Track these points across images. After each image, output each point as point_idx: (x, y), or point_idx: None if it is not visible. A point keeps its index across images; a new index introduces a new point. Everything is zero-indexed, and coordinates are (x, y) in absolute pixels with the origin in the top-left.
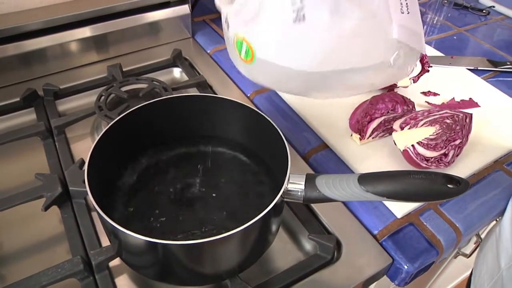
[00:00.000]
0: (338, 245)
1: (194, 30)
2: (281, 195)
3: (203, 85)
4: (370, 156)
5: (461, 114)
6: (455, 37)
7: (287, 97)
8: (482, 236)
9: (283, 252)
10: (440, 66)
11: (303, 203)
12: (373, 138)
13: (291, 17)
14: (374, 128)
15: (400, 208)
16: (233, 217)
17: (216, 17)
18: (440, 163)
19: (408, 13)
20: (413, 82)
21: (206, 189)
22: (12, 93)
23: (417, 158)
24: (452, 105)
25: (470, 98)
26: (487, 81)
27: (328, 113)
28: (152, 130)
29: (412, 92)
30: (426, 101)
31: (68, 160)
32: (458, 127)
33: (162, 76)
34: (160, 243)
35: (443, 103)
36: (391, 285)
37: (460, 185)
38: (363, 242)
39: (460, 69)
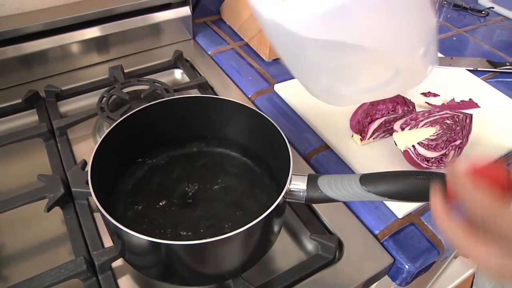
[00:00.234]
0: (340, 245)
1: (195, 31)
2: (283, 196)
3: (204, 86)
4: (371, 156)
5: (461, 115)
6: (454, 38)
7: (288, 98)
8: None
9: (285, 252)
10: (440, 67)
11: (305, 203)
12: (374, 138)
13: None
14: (375, 129)
15: (401, 208)
16: (236, 217)
17: (217, 18)
18: (440, 164)
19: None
20: None
21: (208, 189)
22: (14, 94)
23: (417, 159)
24: (452, 105)
25: (470, 99)
26: (486, 82)
27: (329, 114)
28: (154, 131)
29: (412, 93)
30: (426, 102)
31: (70, 161)
32: (458, 128)
33: (163, 78)
34: (163, 243)
35: (443, 103)
36: (393, 285)
37: None
38: (364, 242)
39: (460, 70)
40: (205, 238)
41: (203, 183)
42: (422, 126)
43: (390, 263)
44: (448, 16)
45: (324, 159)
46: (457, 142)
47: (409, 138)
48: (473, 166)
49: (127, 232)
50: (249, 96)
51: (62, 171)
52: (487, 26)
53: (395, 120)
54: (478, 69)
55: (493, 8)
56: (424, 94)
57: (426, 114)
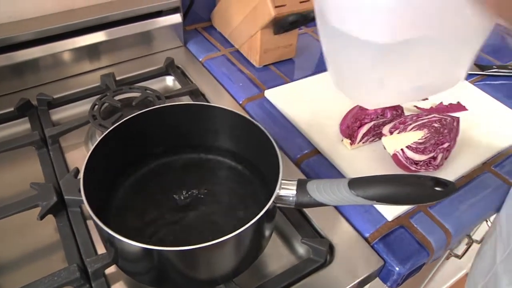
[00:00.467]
0: (331, 248)
1: (186, 38)
2: (273, 201)
3: (196, 93)
4: (361, 160)
5: (449, 118)
6: None
7: (279, 104)
8: (474, 237)
9: (277, 257)
10: None
11: (295, 208)
12: (363, 143)
13: None
14: (364, 133)
15: (390, 211)
16: (228, 223)
17: (208, 25)
18: (429, 166)
19: None
20: None
21: (200, 195)
22: (5, 103)
23: (406, 162)
24: (441, 109)
25: (458, 102)
26: (474, 85)
27: (319, 119)
28: (146, 138)
29: None
30: (414, 106)
31: (63, 169)
32: (446, 131)
33: (155, 85)
34: (156, 249)
35: (431, 107)
36: (384, 287)
37: (447, 187)
38: (355, 245)
39: None
40: (197, 244)
41: (194, 190)
42: (411, 129)
43: (381, 265)
44: None
45: (315, 164)
46: (445, 145)
47: (397, 142)
48: None
49: (120, 239)
50: (240, 102)
51: (54, 179)
52: None
53: (384, 124)
54: None
55: None
56: None
57: (415, 118)
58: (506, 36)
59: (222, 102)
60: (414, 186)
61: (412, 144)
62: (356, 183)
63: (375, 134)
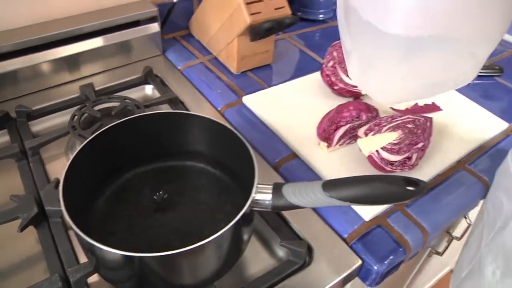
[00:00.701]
0: (310, 250)
1: (164, 47)
2: (249, 205)
3: (175, 101)
4: (338, 163)
5: (422, 119)
6: None
7: (257, 109)
8: (454, 234)
9: (257, 260)
10: None
11: (271, 211)
12: (340, 145)
13: None
14: (340, 136)
15: (368, 212)
16: (207, 228)
17: (186, 33)
18: (404, 166)
19: None
20: None
21: (180, 202)
22: None
23: (381, 163)
24: (416, 109)
25: (433, 103)
26: None
27: (296, 123)
28: (125, 147)
29: None
30: (390, 107)
31: (44, 180)
32: (419, 131)
33: (134, 94)
34: (135, 256)
35: (407, 108)
36: (364, 286)
37: (418, 186)
38: (333, 246)
39: None
40: (178, 249)
41: (174, 197)
42: (385, 131)
43: (359, 265)
44: None
45: (293, 168)
46: (419, 145)
47: (372, 143)
48: None
49: (100, 247)
50: (219, 109)
51: (35, 191)
52: None
53: (360, 126)
54: None
55: None
56: None
57: (389, 119)
58: None
59: (201, 109)
60: (386, 186)
61: (386, 145)
62: (330, 185)
63: (351, 136)
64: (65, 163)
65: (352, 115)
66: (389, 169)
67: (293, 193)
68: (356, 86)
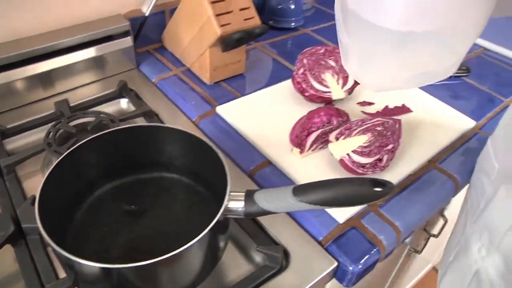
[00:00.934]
0: (286, 254)
1: (138, 60)
2: (222, 213)
3: (149, 114)
4: (311, 167)
5: (391, 121)
6: None
7: (230, 119)
8: (432, 231)
9: (234, 266)
10: None
11: (244, 217)
12: (312, 150)
13: None
14: (312, 141)
15: (341, 214)
16: (183, 236)
17: (159, 46)
18: (376, 168)
19: None
20: (348, 94)
21: (155, 213)
22: None
23: (353, 166)
24: (387, 112)
25: (403, 104)
26: (418, 87)
27: (269, 131)
28: (100, 161)
29: (349, 103)
30: (362, 111)
31: (20, 198)
32: (389, 133)
33: (109, 108)
34: (112, 268)
35: (377, 111)
36: (342, 287)
37: (385, 187)
38: (309, 249)
39: None
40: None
41: (150, 208)
42: (355, 134)
43: (335, 266)
44: None
45: (267, 175)
46: (389, 147)
47: (343, 147)
48: None
49: (77, 261)
50: (193, 120)
51: (12, 209)
52: None
53: (331, 131)
54: None
55: None
56: (360, 104)
57: (359, 123)
58: None
59: (176, 121)
60: (355, 188)
61: (357, 148)
62: (299, 190)
63: (323, 141)
64: (42, 180)
65: (323, 120)
66: (360, 171)
67: (265, 199)
68: (327, 92)
